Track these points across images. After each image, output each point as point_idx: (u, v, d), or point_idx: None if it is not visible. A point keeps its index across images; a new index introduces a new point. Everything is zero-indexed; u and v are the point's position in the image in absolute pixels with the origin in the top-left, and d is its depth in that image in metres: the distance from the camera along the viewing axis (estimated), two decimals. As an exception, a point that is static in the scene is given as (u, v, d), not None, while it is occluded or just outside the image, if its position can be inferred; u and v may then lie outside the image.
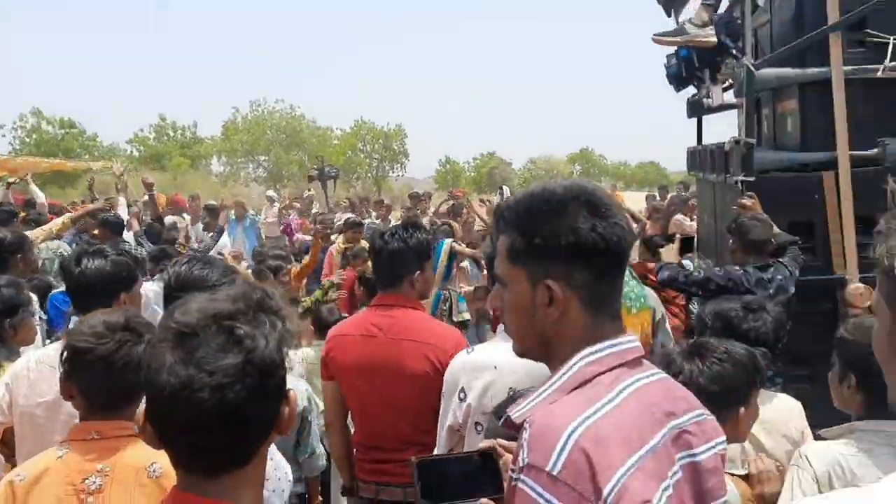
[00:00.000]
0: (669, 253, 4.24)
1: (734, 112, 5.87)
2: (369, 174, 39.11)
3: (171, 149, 36.42)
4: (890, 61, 4.21)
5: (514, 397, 2.27)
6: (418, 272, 2.78)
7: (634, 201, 17.88)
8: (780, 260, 3.88)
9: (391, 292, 2.79)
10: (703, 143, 6.49)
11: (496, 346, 2.26)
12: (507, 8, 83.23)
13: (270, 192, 16.27)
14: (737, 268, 3.81)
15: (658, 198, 15.67)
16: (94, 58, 66.84)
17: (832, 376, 2.07)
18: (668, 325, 3.56)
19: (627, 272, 3.59)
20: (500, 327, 2.24)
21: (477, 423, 2.23)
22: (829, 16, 4.31)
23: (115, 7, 71.84)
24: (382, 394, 2.57)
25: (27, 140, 33.14)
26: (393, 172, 40.85)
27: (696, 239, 5.49)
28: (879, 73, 4.24)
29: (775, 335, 2.33)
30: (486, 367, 2.21)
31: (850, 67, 4.29)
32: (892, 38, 4.23)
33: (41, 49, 67.81)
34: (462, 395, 2.26)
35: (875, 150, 4.26)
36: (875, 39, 4.29)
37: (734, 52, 4.72)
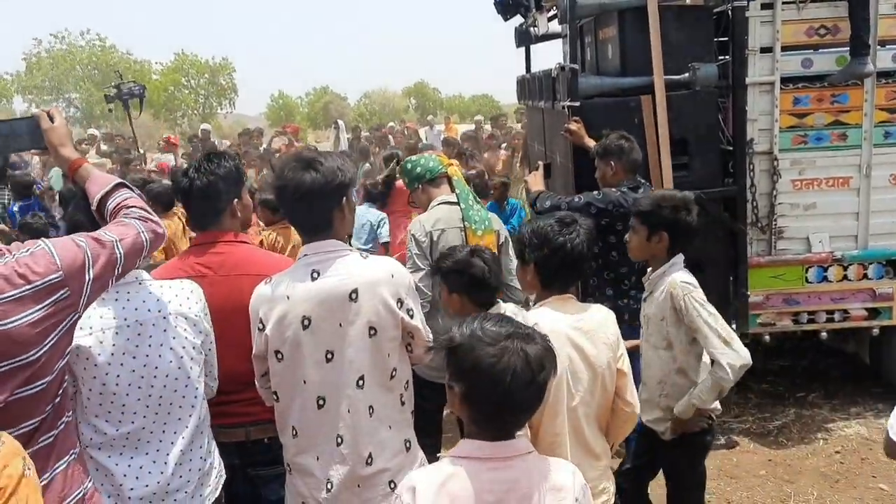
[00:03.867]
0: (536, 181, 4.31)
1: (560, 41, 6.02)
2: (195, 111, 36.98)
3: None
4: (699, -12, 4.42)
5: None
6: (236, 199, 2.65)
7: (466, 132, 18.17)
8: (642, 181, 4.05)
9: (212, 228, 2.63)
10: (532, 71, 6.61)
11: (292, 274, 2.20)
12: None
13: (92, 130, 14.98)
14: (613, 190, 3.92)
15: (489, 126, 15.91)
16: None
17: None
18: (511, 248, 3.63)
19: (471, 196, 3.62)
20: (304, 257, 2.18)
21: (277, 352, 2.20)
22: (644, -57, 4.44)
23: None
24: (224, 334, 2.43)
25: None
26: (221, 109, 38.90)
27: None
28: (688, 1, 4.45)
29: (588, 246, 2.44)
30: (280, 297, 2.17)
31: (663, -6, 4.47)
32: (699, -34, 4.44)
33: None
34: (261, 325, 2.22)
35: (687, 75, 4.51)
36: (685, -33, 4.48)
37: (558, -22, 4.78)
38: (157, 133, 27.87)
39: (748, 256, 4.78)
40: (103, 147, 13.77)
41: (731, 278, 4.81)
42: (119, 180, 2.13)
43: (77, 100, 34.73)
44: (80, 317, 1.83)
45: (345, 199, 2.18)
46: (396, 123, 19.38)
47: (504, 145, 11.57)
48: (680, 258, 3.02)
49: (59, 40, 34.73)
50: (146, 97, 8.34)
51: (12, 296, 1.68)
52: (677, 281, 2.93)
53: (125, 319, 2.12)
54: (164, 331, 2.17)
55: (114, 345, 2.09)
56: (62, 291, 1.75)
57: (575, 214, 2.55)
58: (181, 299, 2.25)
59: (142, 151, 11.40)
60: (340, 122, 15.71)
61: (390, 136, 14.39)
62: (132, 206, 2.04)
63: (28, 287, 1.70)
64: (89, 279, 1.80)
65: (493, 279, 2.81)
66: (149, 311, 2.16)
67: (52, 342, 1.74)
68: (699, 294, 2.90)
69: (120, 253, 1.89)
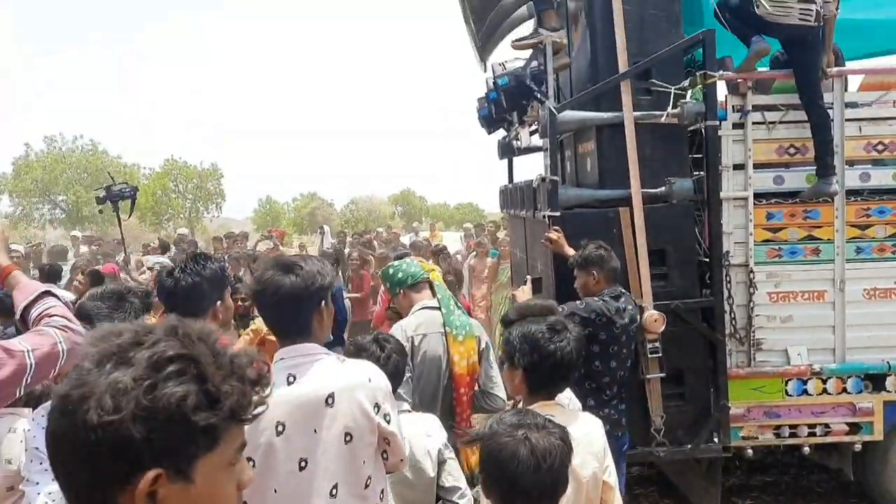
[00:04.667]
0: (524, 295, 4.37)
1: (540, 154, 6.23)
2: (182, 215, 37.33)
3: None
4: (672, 108, 4.62)
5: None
6: (219, 302, 2.66)
7: (453, 240, 18.43)
8: (622, 290, 4.10)
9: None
10: (514, 182, 6.79)
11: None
12: (326, 51, 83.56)
13: (75, 232, 15.07)
14: (595, 299, 3.96)
15: (475, 233, 16.13)
16: None
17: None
18: (492, 355, 3.62)
19: (452, 301, 3.64)
20: (280, 361, 2.16)
21: (248, 459, 2.11)
22: (620, 66, 4.69)
23: None
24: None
25: None
26: (208, 213, 39.31)
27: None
28: (663, 119, 4.65)
29: (577, 354, 2.45)
30: None
31: (639, 113, 4.67)
32: (672, 87, 4.67)
33: None
34: None
35: (663, 189, 4.65)
36: (659, 88, 4.71)
37: (538, 96, 4.99)
38: (143, 236, 28.03)
39: (728, 367, 4.78)
40: (83, 248, 13.77)
41: (712, 389, 4.80)
42: (45, 288, 2.10)
43: (64, 202, 35.00)
44: None
45: (324, 302, 2.19)
46: (383, 230, 19.62)
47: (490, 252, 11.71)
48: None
49: (51, 143, 35.35)
50: (137, 199, 8.37)
51: None
52: None
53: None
54: None
55: None
56: None
57: (565, 321, 2.57)
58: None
59: (127, 253, 11.42)
60: (326, 228, 15.89)
61: (375, 242, 14.53)
62: (55, 315, 2.00)
63: None
64: None
65: (389, 367, 2.76)
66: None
67: None
68: None
69: (31, 363, 1.85)
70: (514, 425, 1.82)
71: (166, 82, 72.18)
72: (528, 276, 4.95)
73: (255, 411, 1.07)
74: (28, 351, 1.84)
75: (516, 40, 4.97)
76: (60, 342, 1.92)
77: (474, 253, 11.55)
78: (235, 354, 1.06)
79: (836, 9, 4.76)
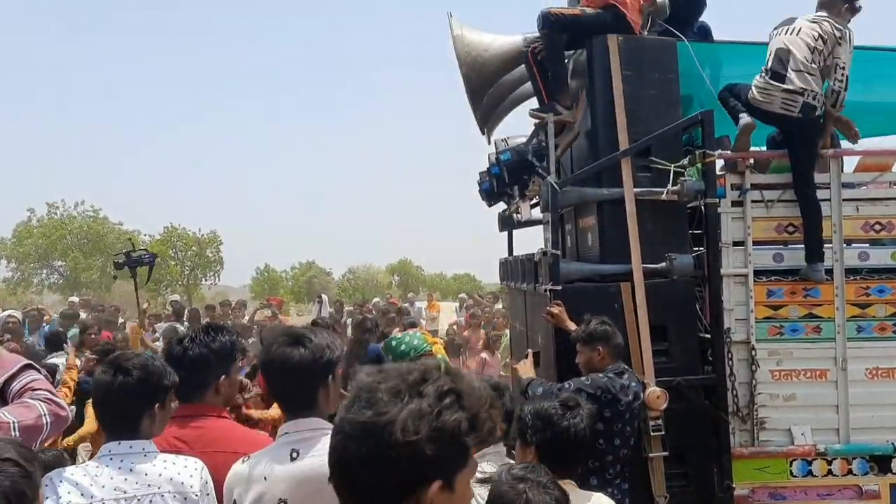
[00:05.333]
0: (526, 368, 4.35)
1: (540, 227, 6.29)
2: (180, 282, 37.28)
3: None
4: (672, 185, 4.70)
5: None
6: (223, 377, 2.64)
7: (450, 311, 18.41)
8: (626, 367, 4.07)
9: (195, 401, 2.61)
10: (514, 254, 6.83)
11: (270, 453, 2.17)
12: (323, 121, 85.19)
13: (73, 298, 15.08)
14: (600, 375, 3.93)
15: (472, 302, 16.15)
16: None
17: None
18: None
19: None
20: (284, 435, 2.15)
21: None
22: (620, 143, 4.79)
23: None
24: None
25: None
26: (206, 280, 39.27)
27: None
28: (664, 196, 4.72)
29: (590, 431, 2.44)
30: (257, 477, 2.12)
31: (639, 189, 4.75)
32: (672, 165, 4.75)
33: None
34: None
35: (664, 264, 4.68)
36: (658, 166, 4.79)
37: (540, 171, 5.08)
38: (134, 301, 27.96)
39: (731, 446, 4.71)
40: (82, 315, 13.75)
41: (715, 469, 4.71)
42: (26, 362, 2.13)
43: (62, 267, 35.04)
44: None
45: (331, 377, 2.18)
46: (381, 299, 19.61)
47: (483, 324, 11.71)
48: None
49: (52, 209, 35.62)
50: (154, 265, 8.42)
51: None
52: None
53: (125, 492, 2.08)
54: None
55: None
56: None
57: (577, 397, 2.56)
58: (184, 477, 2.21)
59: (122, 321, 11.43)
60: (324, 297, 15.91)
61: (373, 312, 14.53)
62: (38, 389, 2.04)
63: None
64: None
65: None
66: (148, 486, 2.13)
67: None
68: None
69: (15, 435, 1.87)
70: (519, 478, 1.96)
71: (167, 151, 73.25)
72: (529, 350, 4.93)
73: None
74: (14, 423, 1.85)
75: (534, 110, 5.12)
76: (45, 415, 1.94)
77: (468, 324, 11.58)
78: (484, 390, 1.27)
79: (837, 107, 4.86)
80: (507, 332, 9.94)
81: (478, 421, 1.21)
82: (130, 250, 7.88)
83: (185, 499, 2.24)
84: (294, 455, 2.09)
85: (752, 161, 4.98)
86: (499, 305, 14.85)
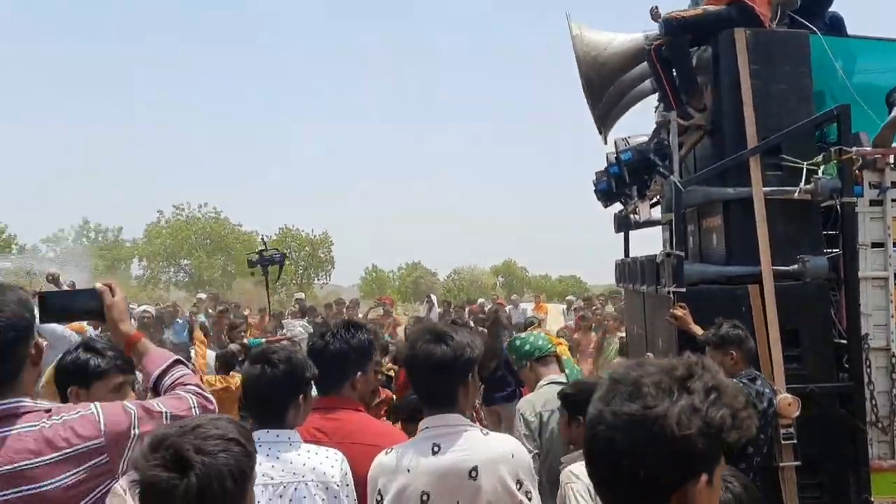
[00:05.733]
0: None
1: (656, 228, 6.16)
2: (294, 281, 38.74)
3: (89, 250, 35.39)
4: (805, 184, 4.50)
5: None
6: (360, 373, 2.74)
7: (556, 313, 18.26)
8: (757, 372, 3.97)
9: (333, 394, 2.72)
10: (632, 256, 6.71)
11: (414, 446, 2.23)
12: (435, 120, 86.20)
13: (201, 295, 15.91)
14: (735, 381, 3.85)
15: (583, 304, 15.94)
16: (18, 164, 64.98)
17: None
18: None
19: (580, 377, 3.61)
20: (425, 430, 2.21)
21: None
22: (749, 141, 4.63)
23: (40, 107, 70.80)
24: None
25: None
26: (318, 279, 40.61)
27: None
28: (796, 195, 4.53)
29: (759, 431, 2.38)
30: (401, 469, 2.19)
31: (769, 188, 4.57)
32: (804, 163, 4.56)
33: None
34: (379, 496, 2.23)
35: (795, 266, 4.49)
36: (790, 164, 4.60)
37: (662, 170, 4.97)
38: (258, 300, 29.24)
39: (869, 458, 4.47)
40: (210, 311, 14.48)
41: (852, 481, 4.48)
42: (176, 357, 2.20)
43: (188, 265, 37.08)
44: (116, 482, 1.86)
45: (471, 375, 2.23)
46: (487, 300, 19.68)
47: (594, 326, 11.54)
48: None
49: (179, 211, 37.77)
50: (284, 264, 8.85)
51: (52, 459, 1.72)
52: (567, 469, 2.85)
53: (271, 478, 2.20)
54: (304, 497, 2.22)
55: (258, 501, 2.14)
56: (101, 458, 1.78)
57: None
58: (325, 467, 2.31)
59: (272, 315, 11.95)
60: (433, 297, 16.12)
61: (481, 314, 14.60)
62: (188, 384, 2.09)
63: (69, 450, 1.74)
64: (130, 447, 1.83)
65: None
66: (293, 474, 2.24)
67: None
68: (578, 486, 2.77)
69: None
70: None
71: (282, 154, 76.14)
72: (649, 354, 4.85)
73: None
74: (166, 413, 1.94)
75: (667, 112, 5.03)
76: (194, 407, 2.00)
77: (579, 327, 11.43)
78: (737, 387, 1.27)
79: None
80: (618, 335, 9.79)
81: (737, 418, 1.22)
82: (263, 249, 8.30)
83: (327, 488, 2.34)
84: (436, 449, 2.16)
85: (893, 158, 4.70)
86: (610, 308, 14.60)
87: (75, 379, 2.48)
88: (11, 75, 64.10)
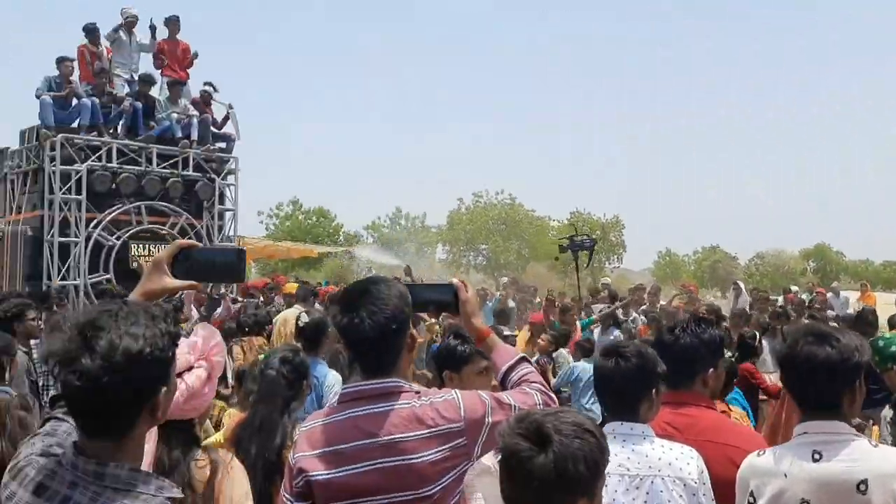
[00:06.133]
0: None
1: None
2: (586, 265, 39.00)
3: (402, 236, 38.94)
4: None
5: None
6: (712, 369, 2.67)
7: (884, 302, 16.08)
8: None
9: (683, 390, 2.68)
10: None
11: (792, 450, 2.11)
12: (733, 105, 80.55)
13: (504, 278, 16.68)
14: None
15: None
16: (342, 153, 73.71)
17: None
18: None
19: None
20: (803, 435, 2.09)
21: None
22: None
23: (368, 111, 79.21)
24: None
25: (280, 226, 37.00)
26: (609, 263, 40.40)
27: None
28: None
29: None
30: (778, 473, 2.09)
31: None
32: None
33: (306, 145, 76.23)
34: (751, 497, 2.15)
35: None
36: None
37: None
38: (547, 283, 29.93)
39: None
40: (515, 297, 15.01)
41: None
42: (522, 355, 2.26)
43: (485, 250, 39.11)
44: (471, 465, 1.98)
45: (858, 381, 2.07)
46: (800, 288, 18.03)
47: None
48: None
49: (478, 198, 39.92)
50: (594, 250, 9.06)
51: (422, 434, 1.90)
52: None
53: (628, 469, 2.25)
54: (661, 491, 2.24)
55: (615, 490, 2.22)
56: (460, 440, 1.92)
57: None
58: (682, 463, 2.31)
59: (582, 300, 12.16)
60: (740, 284, 15.05)
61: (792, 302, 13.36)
62: (534, 382, 2.14)
63: (435, 429, 1.91)
64: (484, 434, 1.95)
65: None
66: (649, 467, 2.27)
67: (445, 483, 1.91)
68: None
69: None
70: None
71: (574, 139, 76.73)
72: None
73: None
74: (515, 406, 2.03)
75: None
76: (539, 404, 2.07)
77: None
78: None
79: None
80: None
81: None
82: (574, 235, 8.48)
83: (685, 485, 2.32)
84: (817, 457, 2.04)
85: None
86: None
87: (448, 363, 2.76)
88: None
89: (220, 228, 11.07)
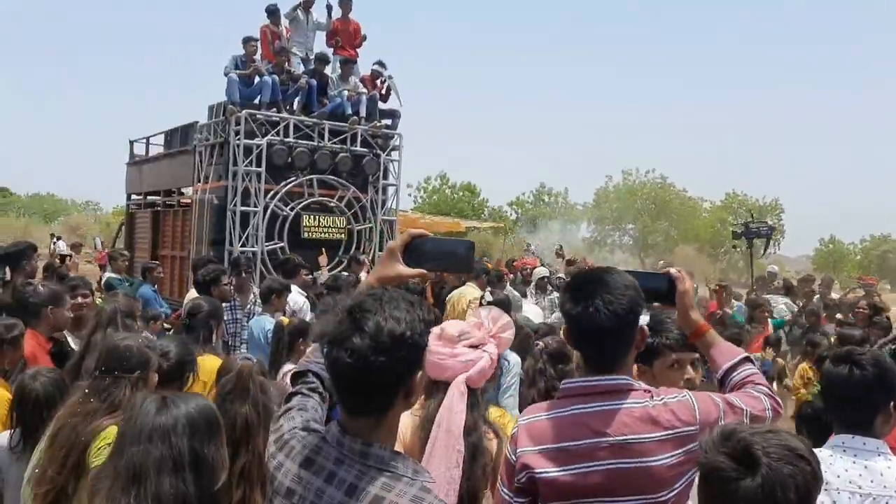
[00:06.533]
0: None
1: None
2: (738, 248, 37.16)
3: (545, 213, 38.67)
4: None
5: None
6: None
7: None
8: None
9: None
10: None
11: None
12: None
13: (661, 262, 16.21)
14: None
15: None
16: (489, 130, 74.00)
17: None
18: None
19: None
20: None
21: None
22: None
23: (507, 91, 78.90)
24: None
25: (427, 199, 37.75)
26: (764, 250, 38.26)
27: None
28: None
29: None
30: None
31: None
32: None
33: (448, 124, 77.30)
34: None
35: None
36: None
37: None
38: (697, 266, 28.78)
39: None
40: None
41: None
42: (745, 354, 2.13)
43: (632, 230, 38.13)
44: None
45: None
46: None
47: None
48: None
49: (627, 177, 38.90)
50: (771, 238, 8.66)
51: (658, 437, 1.83)
52: None
53: (859, 487, 2.18)
54: None
55: None
56: (694, 444, 1.80)
57: None
58: None
59: (755, 290, 11.66)
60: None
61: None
62: (759, 384, 2.03)
63: (671, 432, 1.84)
64: None
65: None
66: (884, 487, 2.18)
67: (679, 488, 1.83)
68: None
69: (746, 422, 1.86)
70: None
71: (732, 119, 72.87)
72: None
73: None
74: (746, 411, 1.93)
75: None
76: (768, 409, 1.97)
77: None
78: None
79: None
80: None
81: None
82: (749, 221, 8.11)
83: None
84: None
85: None
86: None
87: (640, 357, 2.67)
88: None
89: (384, 203, 11.43)
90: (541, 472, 1.88)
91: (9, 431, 3.22)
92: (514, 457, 1.95)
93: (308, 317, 6.50)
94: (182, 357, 3.16)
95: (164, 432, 1.88)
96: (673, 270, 2.18)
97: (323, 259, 9.42)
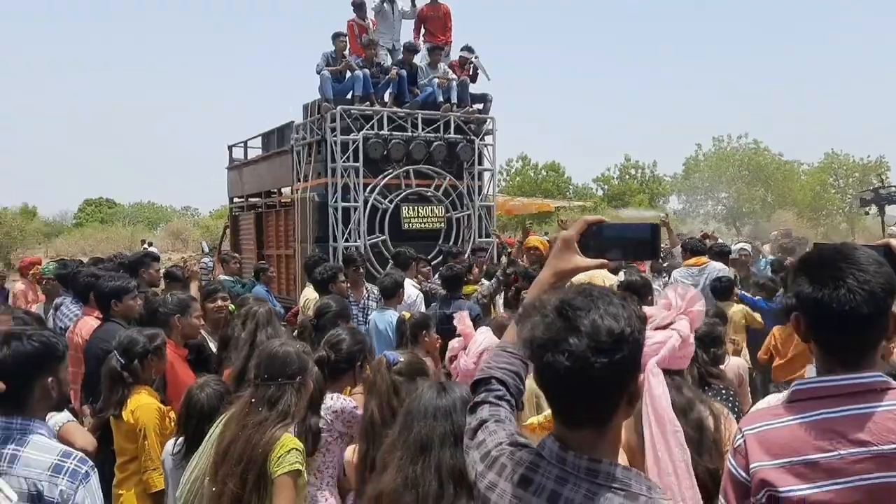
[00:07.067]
0: None
1: None
2: (841, 211, 35.36)
3: (633, 187, 37.81)
4: None
5: None
6: None
7: None
8: None
9: None
10: None
11: None
12: None
13: (774, 232, 15.42)
14: None
15: None
16: (571, 108, 72.91)
17: None
18: None
19: None
20: None
21: None
22: None
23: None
24: None
25: (511, 181, 37.50)
26: (870, 210, 36.24)
27: None
28: None
29: None
30: None
31: None
32: None
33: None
34: None
35: None
36: None
37: None
38: (798, 231, 27.50)
39: None
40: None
41: None
42: None
43: (726, 198, 36.80)
44: None
45: None
46: None
47: None
48: None
49: (718, 143, 37.54)
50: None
51: None
52: None
53: None
54: None
55: None
56: None
57: None
58: None
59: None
60: None
61: None
62: None
63: None
64: None
65: None
66: None
67: None
68: None
69: None
70: None
71: (820, 80, 69.27)
72: None
73: None
74: None
75: None
76: None
77: None
78: None
79: None
80: None
81: None
82: (879, 186, 7.63)
83: None
84: None
85: None
86: None
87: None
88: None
89: (480, 189, 11.31)
90: (787, 491, 1.63)
91: (173, 439, 3.30)
92: (744, 473, 1.71)
93: (422, 309, 6.49)
94: (350, 348, 3.41)
95: (447, 411, 2.20)
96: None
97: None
